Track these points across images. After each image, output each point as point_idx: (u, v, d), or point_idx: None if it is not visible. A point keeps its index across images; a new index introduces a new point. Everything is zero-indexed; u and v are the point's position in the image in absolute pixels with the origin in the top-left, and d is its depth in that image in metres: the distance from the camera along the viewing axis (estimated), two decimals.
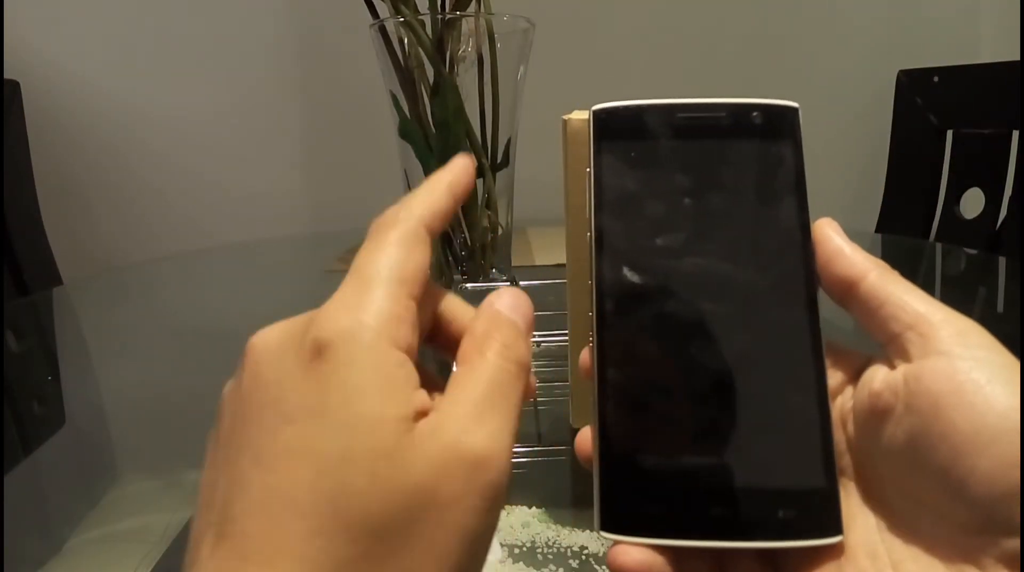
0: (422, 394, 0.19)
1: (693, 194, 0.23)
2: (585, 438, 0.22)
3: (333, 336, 0.18)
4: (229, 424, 0.19)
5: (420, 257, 0.20)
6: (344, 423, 0.17)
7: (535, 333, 0.59)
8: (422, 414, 0.18)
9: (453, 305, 0.23)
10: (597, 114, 0.24)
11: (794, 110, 0.24)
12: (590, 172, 0.24)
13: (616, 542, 0.20)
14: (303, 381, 0.18)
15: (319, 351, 0.18)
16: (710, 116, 0.24)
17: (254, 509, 0.17)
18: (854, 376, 0.22)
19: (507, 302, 0.22)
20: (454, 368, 0.20)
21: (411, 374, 0.19)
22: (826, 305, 0.23)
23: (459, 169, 0.24)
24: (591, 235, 0.23)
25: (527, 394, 0.21)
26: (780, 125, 0.24)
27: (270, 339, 0.19)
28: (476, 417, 0.18)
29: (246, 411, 0.19)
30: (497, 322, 0.21)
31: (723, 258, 0.23)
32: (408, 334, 0.19)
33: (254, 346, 0.20)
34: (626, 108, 0.24)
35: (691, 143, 0.24)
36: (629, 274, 0.23)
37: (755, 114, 0.24)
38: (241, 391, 0.19)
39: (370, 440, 0.17)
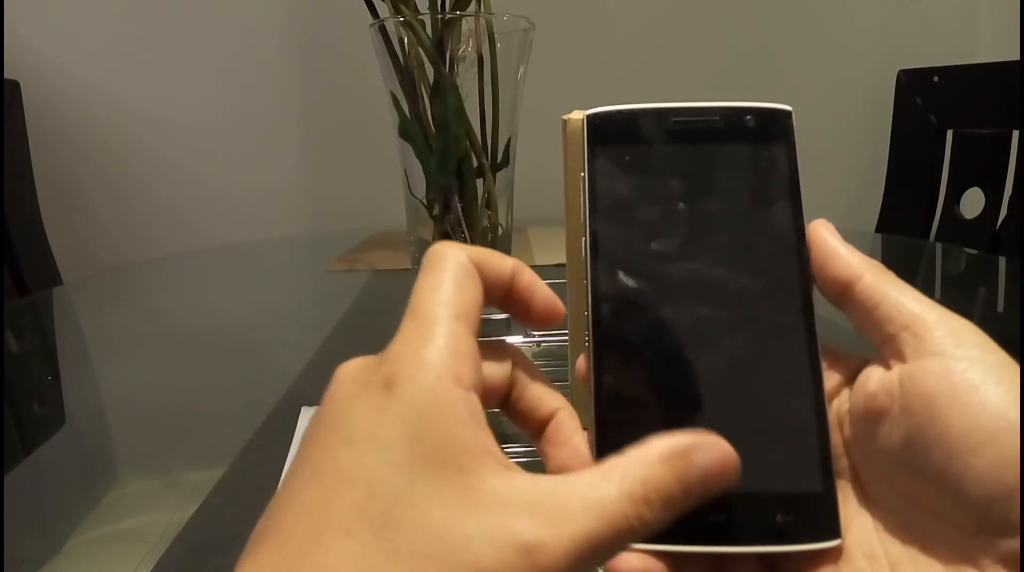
0: (485, 435, 0.19)
1: (688, 198, 0.23)
2: None
3: (397, 377, 0.19)
4: (302, 446, 0.20)
5: (473, 291, 0.21)
6: (405, 457, 0.17)
7: (535, 333, 0.58)
8: (493, 455, 0.18)
9: (536, 386, 0.23)
10: (591, 119, 0.24)
11: (787, 113, 0.24)
12: (584, 177, 0.24)
13: None
14: (369, 409, 0.18)
15: (388, 386, 0.18)
16: (704, 120, 0.24)
17: (301, 520, 0.17)
18: (850, 378, 0.22)
19: (700, 462, 0.19)
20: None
21: (476, 412, 0.19)
22: (826, 305, 0.23)
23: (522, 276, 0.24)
24: (586, 240, 0.23)
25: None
26: (774, 128, 0.24)
27: (351, 368, 0.20)
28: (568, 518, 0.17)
29: (315, 432, 0.19)
30: (675, 475, 0.18)
31: (718, 262, 0.23)
32: (470, 371, 0.19)
33: (337, 374, 0.20)
34: (619, 113, 0.24)
35: (685, 147, 0.24)
36: (624, 280, 0.23)
37: (748, 117, 0.24)
38: (318, 414, 0.20)
39: (434, 495, 0.17)
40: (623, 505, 0.17)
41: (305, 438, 0.19)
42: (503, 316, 0.65)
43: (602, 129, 0.24)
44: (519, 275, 0.23)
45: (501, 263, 0.22)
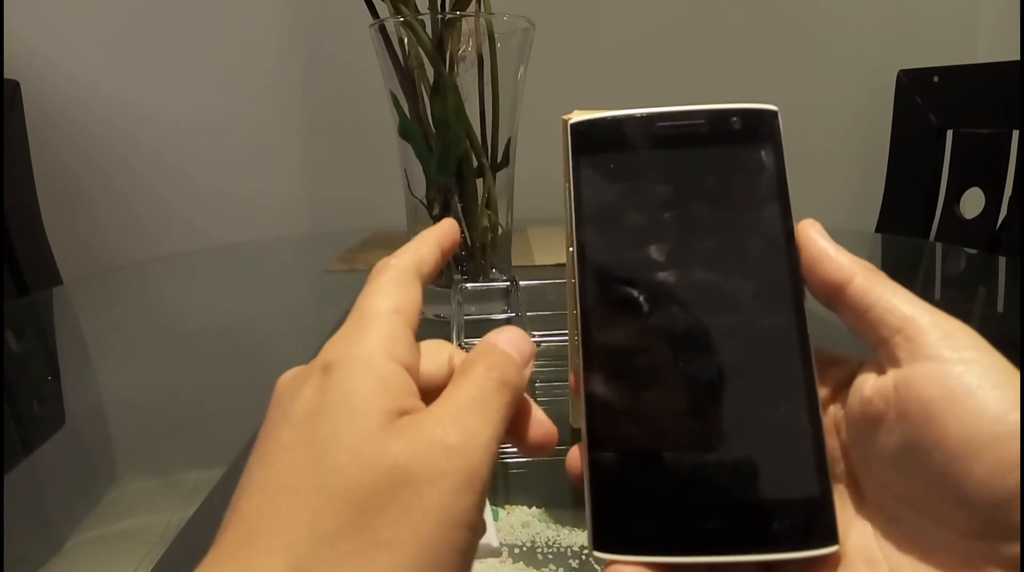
0: (414, 400, 0.20)
1: (675, 203, 0.23)
2: (575, 456, 0.22)
3: (335, 357, 0.20)
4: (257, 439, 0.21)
5: (413, 294, 0.22)
6: (336, 415, 0.19)
7: (535, 333, 0.58)
8: (409, 413, 0.19)
9: None
10: (575, 127, 0.24)
11: (773, 113, 0.24)
12: (569, 186, 0.24)
13: (610, 562, 0.20)
14: (309, 392, 0.20)
15: (325, 370, 0.20)
16: (689, 124, 0.24)
17: (252, 497, 0.18)
18: (846, 381, 0.22)
19: (505, 337, 0.23)
20: None
21: (407, 383, 0.20)
22: (820, 304, 0.23)
23: (446, 227, 0.26)
24: (573, 249, 0.23)
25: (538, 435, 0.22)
26: (760, 129, 0.24)
27: (290, 373, 0.22)
28: (455, 418, 0.19)
29: (264, 428, 0.20)
30: (490, 351, 0.22)
31: (707, 267, 0.22)
32: (405, 353, 0.21)
33: (279, 380, 0.22)
34: (604, 119, 0.24)
35: (671, 151, 0.24)
36: (613, 289, 0.22)
37: (734, 119, 0.24)
38: (266, 419, 0.21)
39: (356, 426, 0.18)
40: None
41: (257, 439, 0.21)
42: (503, 315, 0.65)
43: (587, 136, 0.24)
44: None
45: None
